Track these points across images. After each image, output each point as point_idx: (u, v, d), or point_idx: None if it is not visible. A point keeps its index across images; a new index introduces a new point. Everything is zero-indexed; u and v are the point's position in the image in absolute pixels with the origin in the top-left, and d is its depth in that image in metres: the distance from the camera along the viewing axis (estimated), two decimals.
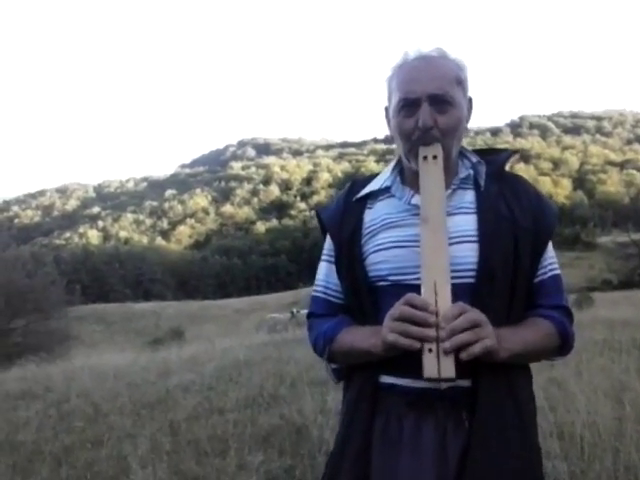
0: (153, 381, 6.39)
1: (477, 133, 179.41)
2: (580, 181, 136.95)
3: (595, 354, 5.33)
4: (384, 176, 1.39)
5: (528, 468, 1.21)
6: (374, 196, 1.38)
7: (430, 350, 1.11)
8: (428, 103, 1.24)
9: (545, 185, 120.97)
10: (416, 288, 1.19)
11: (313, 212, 1.50)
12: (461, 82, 1.29)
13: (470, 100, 1.34)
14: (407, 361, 1.15)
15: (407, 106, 1.26)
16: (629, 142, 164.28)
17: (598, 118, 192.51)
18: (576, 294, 23.46)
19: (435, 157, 1.25)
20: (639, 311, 11.07)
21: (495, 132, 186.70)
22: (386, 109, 1.36)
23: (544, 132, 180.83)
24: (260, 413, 4.58)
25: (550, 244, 1.33)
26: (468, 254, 1.23)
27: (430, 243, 1.20)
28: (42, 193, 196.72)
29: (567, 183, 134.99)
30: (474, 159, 1.35)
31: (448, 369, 1.10)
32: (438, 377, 1.10)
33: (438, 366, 1.10)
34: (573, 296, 21.45)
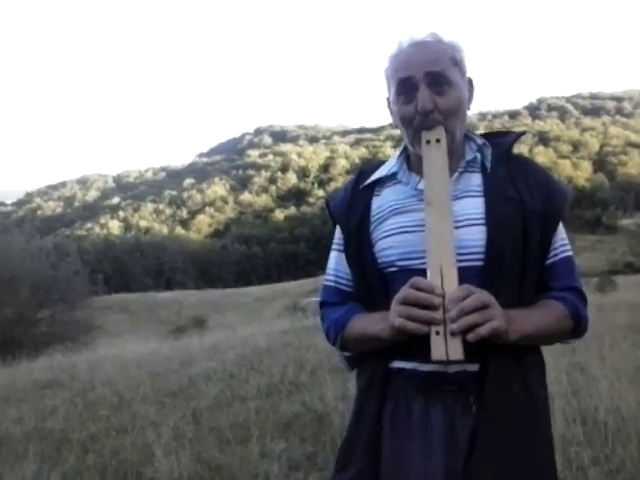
0: (175, 369, 6.45)
1: (495, 116, 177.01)
2: (600, 163, 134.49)
3: (618, 338, 5.28)
4: (391, 163, 1.39)
5: (537, 453, 1.21)
6: (381, 183, 1.38)
7: (437, 333, 1.11)
8: (426, 84, 1.23)
9: (565, 168, 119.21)
10: (424, 273, 1.18)
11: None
12: (457, 63, 1.27)
13: (470, 81, 1.33)
14: (415, 345, 1.15)
15: (405, 91, 1.25)
16: None
17: (618, 99, 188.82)
18: (598, 277, 23.19)
19: (438, 140, 1.24)
20: None
21: (513, 115, 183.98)
22: (387, 100, 1.36)
23: (563, 114, 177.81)
24: (281, 401, 4.61)
25: (561, 226, 1.31)
26: (476, 237, 1.22)
27: (435, 226, 1.19)
28: (63, 184, 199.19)
29: (587, 165, 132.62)
30: (480, 141, 1.34)
31: (456, 351, 1.09)
32: (446, 359, 1.09)
33: (446, 348, 1.09)
34: (595, 280, 21.23)
